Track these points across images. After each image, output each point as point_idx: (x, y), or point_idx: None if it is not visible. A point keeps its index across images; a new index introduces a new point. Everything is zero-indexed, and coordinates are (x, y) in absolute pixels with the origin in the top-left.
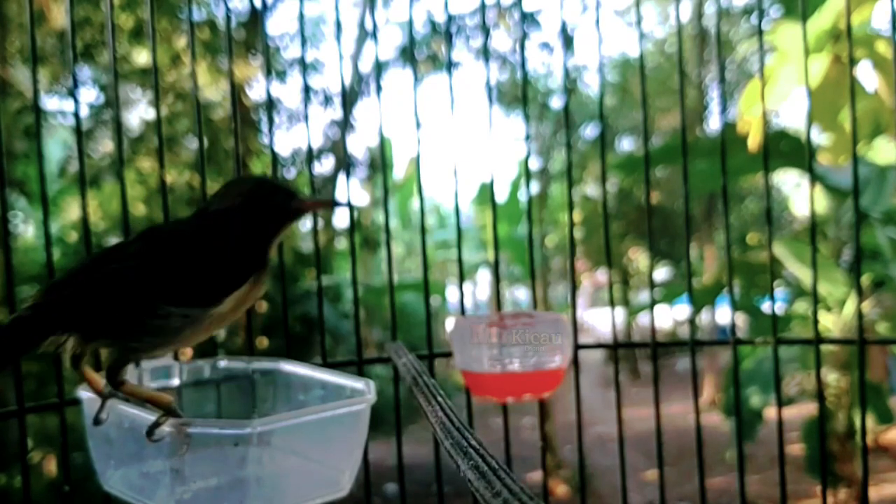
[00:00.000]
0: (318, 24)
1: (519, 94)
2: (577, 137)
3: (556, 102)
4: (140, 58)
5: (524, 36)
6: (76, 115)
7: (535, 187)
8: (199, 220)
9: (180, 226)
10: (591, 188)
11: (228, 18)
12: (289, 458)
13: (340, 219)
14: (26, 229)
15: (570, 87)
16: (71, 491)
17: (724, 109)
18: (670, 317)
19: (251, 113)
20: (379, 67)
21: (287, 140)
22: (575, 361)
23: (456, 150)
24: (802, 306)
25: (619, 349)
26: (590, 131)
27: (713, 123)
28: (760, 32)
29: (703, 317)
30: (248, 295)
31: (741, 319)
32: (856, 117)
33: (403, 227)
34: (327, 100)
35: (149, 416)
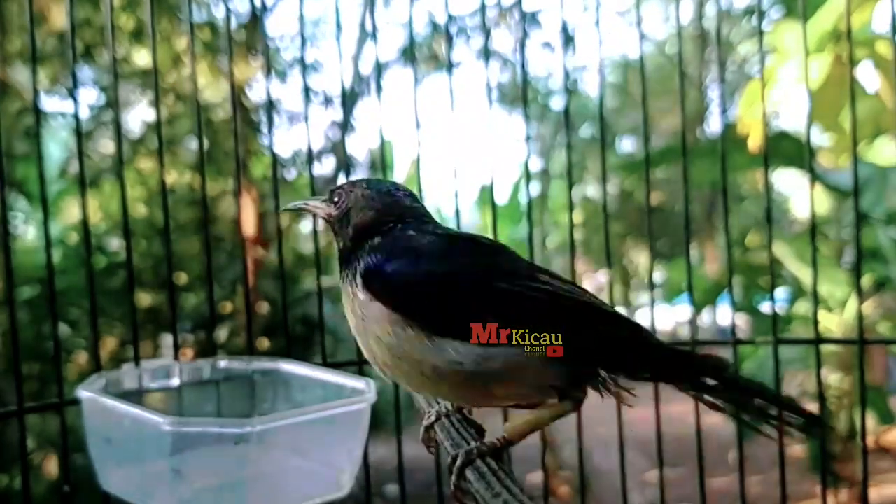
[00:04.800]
0: (318, 24)
1: (520, 94)
2: (577, 138)
3: (557, 103)
4: (140, 59)
5: (524, 36)
6: (76, 115)
7: (535, 188)
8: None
9: None
10: (591, 189)
11: (228, 19)
12: (289, 457)
13: None
14: (26, 230)
15: (571, 87)
16: (71, 491)
17: (724, 110)
18: (671, 317)
19: (251, 114)
20: (379, 68)
21: (287, 141)
22: None
23: (456, 151)
24: (803, 307)
25: None
26: (590, 132)
27: (713, 124)
28: (761, 33)
29: (705, 317)
30: None
31: (742, 320)
32: (856, 118)
33: None
34: (327, 101)
35: (150, 416)
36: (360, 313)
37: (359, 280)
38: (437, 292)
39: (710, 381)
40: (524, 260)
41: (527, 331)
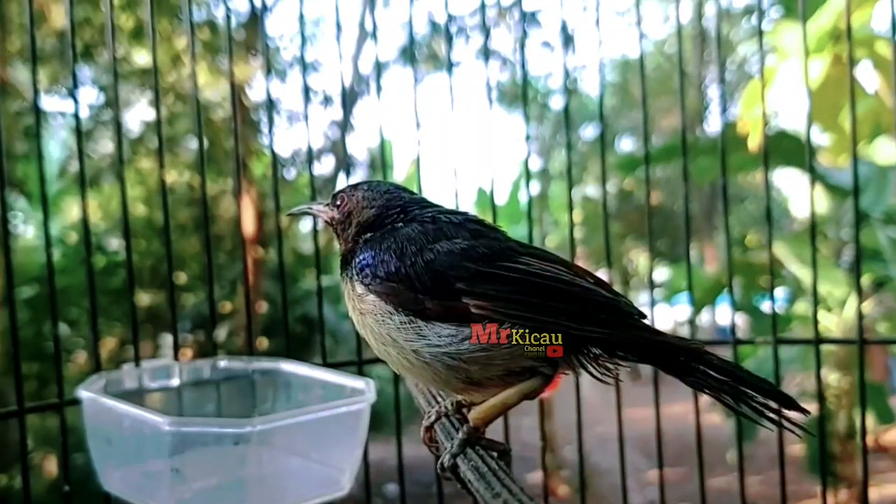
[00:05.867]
0: (318, 24)
1: (519, 93)
2: (577, 137)
3: (557, 103)
4: (140, 58)
5: (524, 35)
6: (76, 115)
7: (535, 187)
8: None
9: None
10: (591, 188)
11: (228, 18)
12: (289, 457)
13: None
14: (26, 230)
15: (571, 87)
16: (71, 491)
17: (724, 110)
18: (670, 317)
19: (251, 113)
20: (379, 68)
21: (287, 140)
22: None
23: (456, 150)
24: (803, 306)
25: None
26: (590, 131)
27: (713, 124)
28: (760, 33)
29: (704, 317)
30: None
31: (742, 319)
32: (855, 117)
33: None
34: (327, 100)
35: (150, 416)
36: (358, 308)
37: (356, 275)
38: (416, 278)
39: (693, 365)
40: (513, 241)
41: (521, 328)
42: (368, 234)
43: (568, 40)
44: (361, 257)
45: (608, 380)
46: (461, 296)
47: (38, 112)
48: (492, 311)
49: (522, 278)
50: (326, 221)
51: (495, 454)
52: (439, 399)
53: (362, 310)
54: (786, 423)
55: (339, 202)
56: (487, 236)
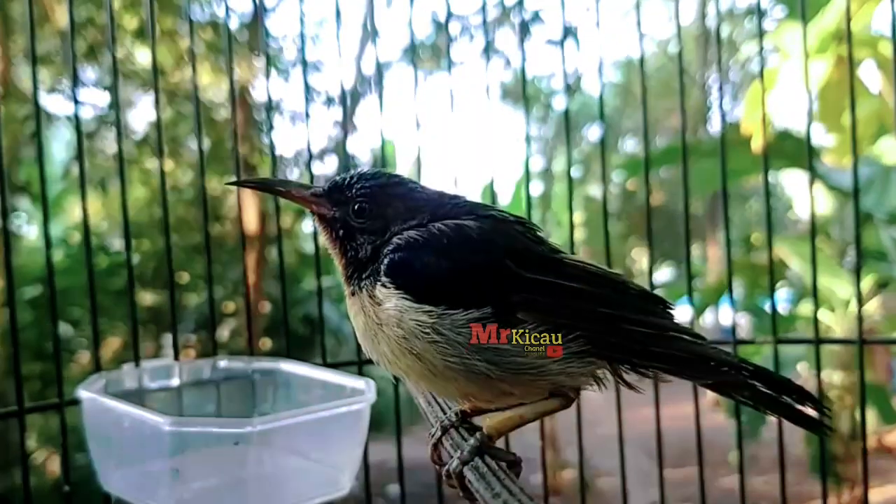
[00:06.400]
0: (322, 24)
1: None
2: (580, 138)
3: (560, 103)
4: (146, 58)
5: (525, 34)
6: (76, 115)
7: (539, 187)
8: None
9: None
10: (594, 188)
11: (227, 18)
12: (289, 457)
13: None
14: (31, 230)
15: (574, 87)
16: (72, 490)
17: (724, 110)
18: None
19: (255, 113)
20: (380, 69)
21: (292, 140)
22: None
23: (459, 150)
24: (807, 307)
25: None
26: (594, 132)
27: (716, 124)
28: (760, 35)
29: (708, 317)
30: None
31: (746, 319)
32: (856, 118)
33: None
34: (330, 100)
35: (150, 416)
36: (374, 315)
37: (383, 277)
38: (469, 280)
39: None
40: (547, 242)
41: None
42: (409, 234)
43: (565, 38)
44: (397, 257)
45: (634, 399)
46: (513, 304)
47: (38, 110)
48: (543, 320)
49: (579, 289)
50: (318, 215)
51: (504, 464)
52: (439, 401)
53: (379, 317)
54: (820, 420)
55: (361, 201)
56: (526, 237)
